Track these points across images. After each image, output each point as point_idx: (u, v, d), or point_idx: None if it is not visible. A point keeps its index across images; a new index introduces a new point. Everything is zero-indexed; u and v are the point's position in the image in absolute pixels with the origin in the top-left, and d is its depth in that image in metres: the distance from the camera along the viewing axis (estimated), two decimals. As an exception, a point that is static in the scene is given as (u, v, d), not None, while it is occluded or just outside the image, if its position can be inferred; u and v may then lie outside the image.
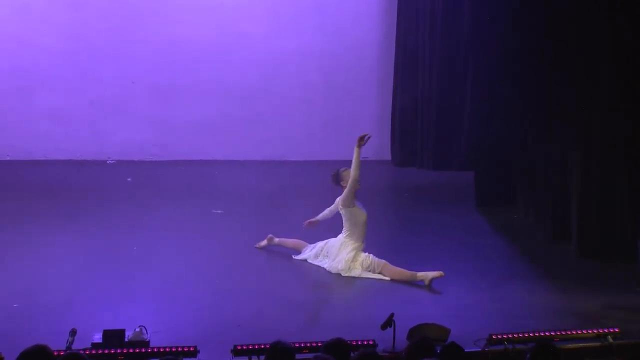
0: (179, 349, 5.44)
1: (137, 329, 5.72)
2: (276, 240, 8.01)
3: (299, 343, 5.41)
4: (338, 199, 7.72)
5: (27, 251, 7.86)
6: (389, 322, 5.77)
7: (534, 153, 9.02)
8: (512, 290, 7.13)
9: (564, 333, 5.92)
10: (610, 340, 5.90)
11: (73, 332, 5.48)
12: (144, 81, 12.30)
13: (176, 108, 12.40)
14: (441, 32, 11.33)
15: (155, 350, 5.47)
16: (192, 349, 5.46)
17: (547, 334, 5.87)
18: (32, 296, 6.70)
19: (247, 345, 5.48)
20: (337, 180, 7.78)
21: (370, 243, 7.74)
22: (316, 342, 5.44)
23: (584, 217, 7.95)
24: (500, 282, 7.32)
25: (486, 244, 8.50)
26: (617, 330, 5.97)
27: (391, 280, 7.27)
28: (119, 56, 12.19)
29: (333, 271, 7.43)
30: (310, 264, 7.66)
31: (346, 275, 7.37)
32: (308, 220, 7.87)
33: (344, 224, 7.63)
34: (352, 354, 4.73)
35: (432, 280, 7.13)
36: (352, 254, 7.42)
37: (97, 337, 5.58)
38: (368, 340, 5.65)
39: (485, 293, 7.05)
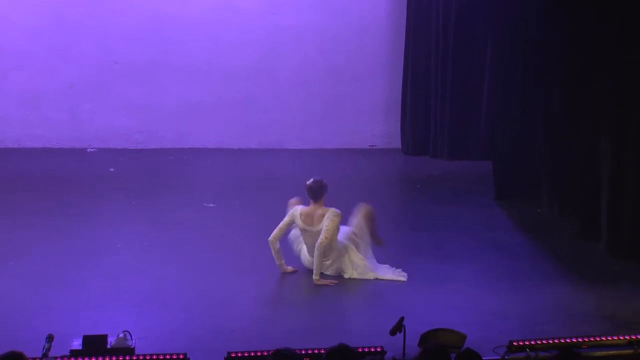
0: (167, 357, 5.45)
1: (121, 335, 5.73)
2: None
3: (300, 350, 5.42)
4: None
5: (-1, 249, 7.88)
6: (398, 327, 5.78)
7: (560, 142, 9.01)
8: (535, 292, 7.13)
9: (591, 339, 5.92)
10: (644, 347, 5.90)
11: (50, 338, 5.47)
12: (128, 61, 12.29)
13: (163, 91, 12.39)
14: (457, 8, 11.32)
15: (141, 357, 5.48)
16: (181, 356, 5.48)
17: (573, 340, 5.88)
18: (5, 298, 6.71)
19: (243, 353, 5.49)
20: (322, 192, 7.50)
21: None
22: (318, 349, 5.45)
23: (615, 212, 7.94)
24: (521, 283, 7.33)
25: (506, 241, 8.51)
26: (650, 336, 5.97)
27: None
28: (100, 33, 12.17)
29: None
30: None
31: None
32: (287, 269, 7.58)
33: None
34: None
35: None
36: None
37: (77, 344, 5.59)
38: (375, 347, 5.66)
39: (505, 295, 7.05)
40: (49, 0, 12.04)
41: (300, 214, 7.45)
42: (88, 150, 12.19)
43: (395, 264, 7.59)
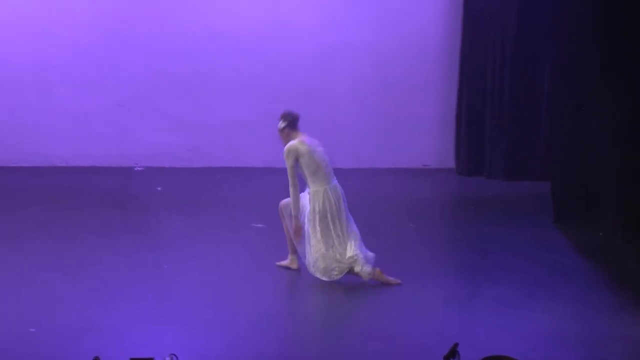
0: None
1: (168, 359, 5.75)
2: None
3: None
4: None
5: (45, 268, 7.97)
6: (452, 354, 5.71)
7: (623, 162, 8.89)
8: (597, 321, 7.00)
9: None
10: None
11: (96, 360, 5.51)
12: (176, 78, 12.39)
13: (212, 108, 12.47)
14: (516, 23, 11.26)
15: (188, 381, 5.49)
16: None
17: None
18: (51, 319, 6.78)
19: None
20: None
21: (429, 261, 7.69)
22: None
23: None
24: (582, 311, 7.22)
25: (565, 265, 8.40)
26: None
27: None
28: (148, 49, 12.30)
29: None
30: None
31: None
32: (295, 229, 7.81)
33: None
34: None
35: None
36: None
37: (123, 366, 5.63)
38: (430, 375, 5.61)
39: (565, 321, 6.95)
40: (96, 16, 12.20)
41: (301, 142, 7.60)
42: (135, 168, 12.30)
43: (448, 287, 7.52)
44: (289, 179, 7.63)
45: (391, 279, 7.53)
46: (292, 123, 7.74)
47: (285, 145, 7.70)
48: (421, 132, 12.60)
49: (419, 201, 10.85)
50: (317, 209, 7.57)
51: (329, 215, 7.54)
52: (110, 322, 6.74)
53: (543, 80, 10.47)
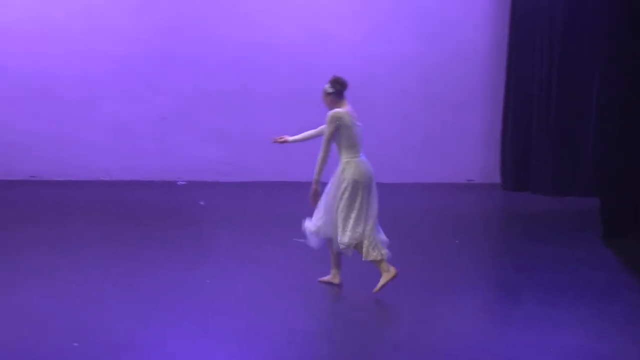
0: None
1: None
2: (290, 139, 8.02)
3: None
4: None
5: (87, 281, 7.97)
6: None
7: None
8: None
9: None
10: None
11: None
12: (219, 92, 12.43)
13: (253, 122, 12.48)
14: (563, 39, 11.13)
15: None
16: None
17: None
18: (93, 334, 6.77)
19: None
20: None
21: (473, 277, 7.56)
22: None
23: None
24: (634, 331, 7.06)
25: (615, 283, 8.22)
26: None
27: None
28: (191, 64, 12.36)
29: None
30: None
31: None
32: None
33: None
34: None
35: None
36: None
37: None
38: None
39: (616, 343, 6.79)
40: (140, 30, 12.29)
41: (346, 113, 7.50)
42: (178, 183, 12.33)
43: (495, 304, 7.40)
44: (324, 143, 7.55)
45: (392, 269, 7.41)
46: (340, 91, 7.66)
47: (329, 110, 7.59)
48: (466, 147, 12.50)
49: (464, 217, 10.74)
50: (348, 178, 7.49)
51: (359, 186, 7.47)
52: (152, 337, 6.71)
53: (592, 95, 10.32)
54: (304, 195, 11.71)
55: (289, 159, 12.48)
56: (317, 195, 7.64)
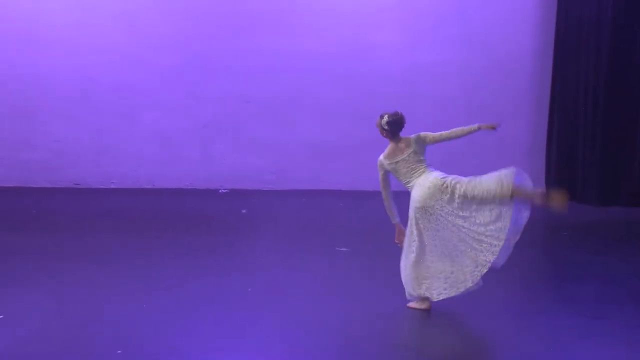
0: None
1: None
2: None
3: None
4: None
5: (129, 290, 7.98)
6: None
7: None
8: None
9: None
10: None
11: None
12: (260, 100, 12.43)
13: (296, 130, 12.46)
14: (609, 45, 10.99)
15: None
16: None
17: None
18: (136, 342, 6.77)
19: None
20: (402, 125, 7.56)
21: (518, 288, 7.42)
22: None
23: None
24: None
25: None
26: None
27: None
28: (232, 72, 12.38)
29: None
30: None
31: None
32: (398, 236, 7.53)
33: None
34: None
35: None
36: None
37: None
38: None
39: None
40: (182, 38, 12.34)
41: (385, 157, 7.43)
42: (220, 191, 12.34)
43: (542, 317, 7.27)
44: (381, 187, 7.57)
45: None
46: (394, 132, 7.59)
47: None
48: (511, 156, 12.37)
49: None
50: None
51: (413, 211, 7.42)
52: (193, 346, 6.69)
53: (639, 103, 10.16)
54: (346, 204, 11.71)
55: (330, 167, 12.45)
56: (401, 234, 7.52)
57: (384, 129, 7.58)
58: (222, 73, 12.39)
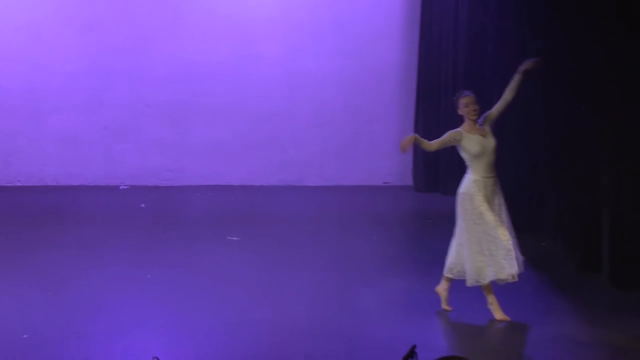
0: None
1: (151, 361, 5.74)
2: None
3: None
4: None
5: (38, 279, 7.93)
6: (410, 355, 5.67)
7: (561, 177, 8.96)
8: (539, 323, 7.04)
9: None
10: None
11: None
12: (158, 104, 12.44)
13: (191, 131, 12.52)
14: (465, 52, 11.40)
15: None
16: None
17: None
18: (41, 327, 6.75)
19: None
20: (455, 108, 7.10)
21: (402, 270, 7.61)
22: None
23: (615, 245, 7.84)
24: (526, 315, 7.25)
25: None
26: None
27: None
28: (133, 78, 12.35)
29: None
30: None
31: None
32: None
33: None
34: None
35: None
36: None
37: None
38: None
39: (510, 325, 6.98)
40: (85, 47, 12.25)
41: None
42: (121, 187, 12.30)
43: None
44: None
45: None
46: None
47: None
48: (382, 153, 12.67)
49: (379, 216, 10.90)
50: None
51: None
52: (97, 329, 6.70)
53: (492, 105, 10.55)
54: (235, 197, 11.82)
55: (224, 164, 12.55)
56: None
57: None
58: (123, 79, 12.35)
